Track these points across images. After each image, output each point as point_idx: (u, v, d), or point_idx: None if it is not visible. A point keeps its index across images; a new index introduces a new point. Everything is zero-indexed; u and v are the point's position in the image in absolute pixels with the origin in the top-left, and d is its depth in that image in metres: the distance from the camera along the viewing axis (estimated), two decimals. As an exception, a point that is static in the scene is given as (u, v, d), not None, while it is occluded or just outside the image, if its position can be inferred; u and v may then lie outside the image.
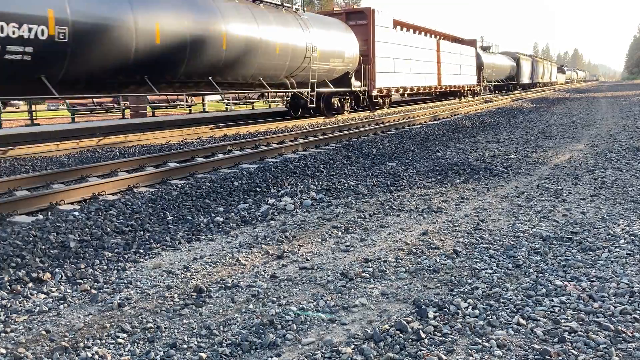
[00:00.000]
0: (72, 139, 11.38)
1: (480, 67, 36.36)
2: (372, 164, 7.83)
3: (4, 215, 4.93)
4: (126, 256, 3.86)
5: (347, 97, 18.58)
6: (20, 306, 3.03)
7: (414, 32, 25.41)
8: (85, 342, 2.57)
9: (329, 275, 3.37)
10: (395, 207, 5.09)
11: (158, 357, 2.43)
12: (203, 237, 4.33)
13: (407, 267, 3.46)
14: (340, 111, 18.23)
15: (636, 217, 4.46)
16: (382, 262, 3.57)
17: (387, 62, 20.95)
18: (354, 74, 18.09)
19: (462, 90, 32.35)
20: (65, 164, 8.35)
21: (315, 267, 3.53)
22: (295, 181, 6.58)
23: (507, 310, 2.75)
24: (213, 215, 4.98)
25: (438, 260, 3.55)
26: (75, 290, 3.25)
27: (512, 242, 3.89)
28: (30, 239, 4.12)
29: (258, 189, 6.11)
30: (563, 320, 2.62)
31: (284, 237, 4.23)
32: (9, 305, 3.03)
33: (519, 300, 2.87)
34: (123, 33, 9.12)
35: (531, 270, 3.31)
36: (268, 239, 4.20)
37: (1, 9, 7.45)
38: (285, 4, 14.64)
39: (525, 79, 52.51)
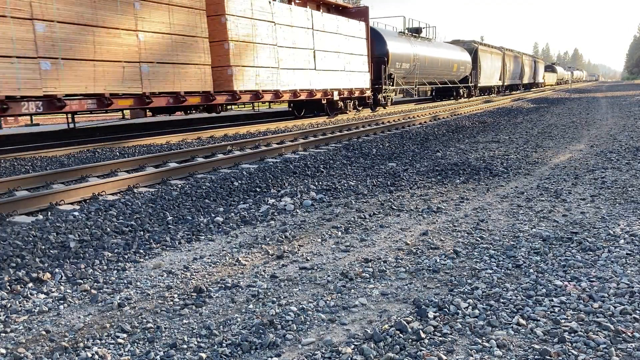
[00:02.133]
0: (71, 139, 11.40)
1: (381, 59, 20.63)
2: (372, 164, 7.83)
3: (4, 215, 4.93)
4: (126, 256, 3.86)
5: None
6: (20, 306, 3.03)
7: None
8: (85, 342, 2.57)
9: (329, 276, 3.37)
10: (395, 207, 5.09)
11: (158, 357, 2.43)
12: (203, 237, 4.34)
13: (407, 267, 3.46)
14: None
15: (636, 217, 4.46)
16: (382, 262, 3.57)
17: None
18: None
19: (327, 100, 16.99)
20: (65, 164, 8.35)
21: (315, 267, 3.53)
22: (295, 181, 6.58)
23: (507, 310, 2.75)
24: (213, 215, 4.98)
25: (438, 260, 3.55)
26: (75, 290, 3.25)
27: (512, 242, 3.89)
28: (30, 239, 4.12)
29: (258, 189, 6.11)
30: (563, 321, 2.62)
31: (284, 237, 4.23)
32: (9, 305, 3.03)
33: (519, 300, 2.87)
34: None
35: (531, 270, 3.31)
36: (268, 239, 4.20)
37: None
38: None
39: (488, 79, 36.97)
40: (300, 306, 2.90)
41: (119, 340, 2.59)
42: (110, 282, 3.38)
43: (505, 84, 43.49)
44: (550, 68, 74.29)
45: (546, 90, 53.52)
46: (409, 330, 2.55)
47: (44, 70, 8.60)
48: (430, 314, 2.72)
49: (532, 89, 55.89)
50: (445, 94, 32.63)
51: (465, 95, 33.74)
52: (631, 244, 3.74)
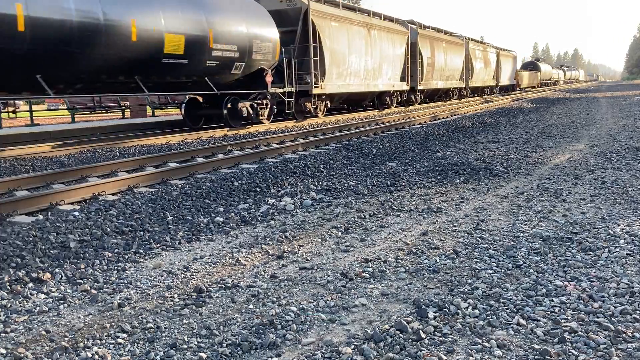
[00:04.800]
0: (71, 139, 11.39)
1: None
2: (372, 164, 7.83)
3: (4, 215, 4.93)
4: (126, 256, 3.86)
5: None
6: (20, 306, 3.03)
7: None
8: (85, 342, 2.57)
9: (329, 276, 3.37)
10: (395, 207, 5.09)
11: (158, 357, 2.43)
12: (203, 237, 4.33)
13: (407, 267, 3.45)
14: None
15: (636, 217, 4.46)
16: (382, 262, 3.57)
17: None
18: None
19: None
20: (65, 164, 8.35)
21: (315, 267, 3.53)
22: (295, 181, 6.58)
23: (507, 311, 2.75)
24: (213, 215, 4.98)
25: (438, 261, 3.55)
26: (75, 290, 3.25)
27: (512, 242, 3.89)
28: (30, 239, 4.12)
29: (258, 189, 6.11)
30: (563, 321, 2.62)
31: (284, 237, 4.23)
32: (9, 305, 3.03)
33: (519, 300, 2.87)
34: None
35: (531, 270, 3.31)
36: (268, 239, 4.20)
37: None
38: None
39: (361, 79, 18.79)
40: (300, 306, 2.90)
41: (119, 340, 2.59)
42: (110, 282, 3.38)
43: (423, 87, 24.79)
44: (531, 65, 58.75)
45: (546, 90, 48.59)
46: (409, 330, 2.55)
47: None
48: (431, 314, 2.72)
49: (494, 96, 38.50)
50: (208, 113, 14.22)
51: (258, 117, 14.01)
52: (631, 244, 3.74)
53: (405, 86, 23.26)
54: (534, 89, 51.78)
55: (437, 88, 27.78)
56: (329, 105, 17.96)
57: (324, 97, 17.22)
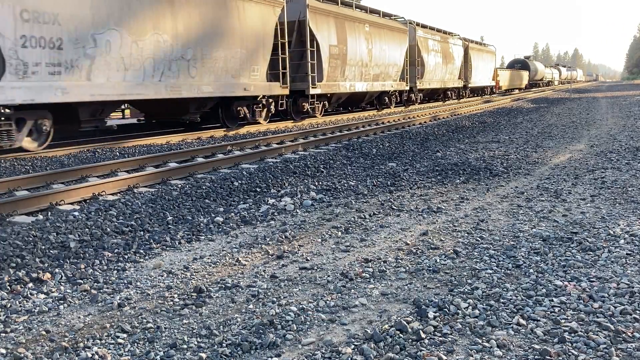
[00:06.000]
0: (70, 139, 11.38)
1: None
2: (372, 164, 7.83)
3: (4, 215, 4.93)
4: (126, 256, 3.86)
5: None
6: (20, 306, 3.03)
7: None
8: (85, 342, 2.57)
9: (329, 276, 3.37)
10: (395, 207, 5.09)
11: (158, 357, 2.43)
12: (203, 237, 4.33)
13: (407, 267, 3.46)
14: None
15: (636, 217, 4.46)
16: (382, 262, 3.57)
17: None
18: None
19: None
20: (65, 164, 8.34)
21: (315, 267, 3.53)
22: (295, 181, 6.58)
23: (507, 311, 2.75)
24: (213, 215, 4.98)
25: (438, 261, 3.55)
26: (75, 290, 3.25)
27: (512, 242, 3.89)
28: (30, 239, 4.12)
29: (258, 189, 6.11)
30: (563, 321, 2.62)
31: (284, 237, 4.23)
32: (9, 305, 3.03)
33: (519, 300, 2.87)
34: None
35: (531, 270, 3.31)
36: (268, 239, 4.20)
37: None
38: None
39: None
40: (300, 306, 2.90)
41: (119, 340, 2.59)
42: (110, 282, 3.38)
43: (323, 91, 15.96)
44: (519, 64, 51.15)
45: (546, 90, 46.62)
46: (409, 330, 2.55)
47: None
48: (430, 314, 2.72)
49: (463, 100, 30.50)
50: None
51: None
52: (631, 244, 3.74)
53: (278, 89, 14.14)
54: (531, 90, 47.47)
55: (356, 92, 18.28)
56: (50, 133, 9.24)
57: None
